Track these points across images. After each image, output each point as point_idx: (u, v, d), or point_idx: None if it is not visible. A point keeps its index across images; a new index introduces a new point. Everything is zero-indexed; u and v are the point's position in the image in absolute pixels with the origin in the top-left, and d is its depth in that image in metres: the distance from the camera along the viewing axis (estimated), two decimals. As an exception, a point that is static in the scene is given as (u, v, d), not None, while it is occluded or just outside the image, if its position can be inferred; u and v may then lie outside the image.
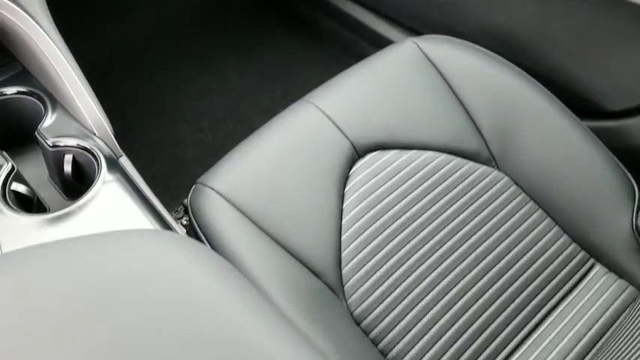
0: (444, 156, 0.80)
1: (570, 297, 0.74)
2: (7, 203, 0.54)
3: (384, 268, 0.71)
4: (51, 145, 0.59)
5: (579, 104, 0.87)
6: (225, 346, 0.36)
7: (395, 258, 0.72)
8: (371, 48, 0.92)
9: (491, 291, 0.72)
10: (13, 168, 0.57)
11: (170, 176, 1.21)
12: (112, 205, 0.55)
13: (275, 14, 1.55)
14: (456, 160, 0.80)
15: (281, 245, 0.69)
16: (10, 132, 0.65)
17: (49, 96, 0.65)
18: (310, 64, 1.45)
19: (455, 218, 0.76)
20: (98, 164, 0.58)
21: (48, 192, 0.64)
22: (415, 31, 1.14)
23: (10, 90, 0.65)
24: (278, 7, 1.56)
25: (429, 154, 0.80)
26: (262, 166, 0.74)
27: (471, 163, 0.80)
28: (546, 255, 0.76)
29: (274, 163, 0.74)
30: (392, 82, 0.83)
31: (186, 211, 0.75)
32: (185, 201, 0.75)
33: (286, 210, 0.71)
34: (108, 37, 1.46)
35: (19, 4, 0.65)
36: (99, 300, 0.38)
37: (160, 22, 1.52)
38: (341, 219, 0.73)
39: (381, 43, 1.13)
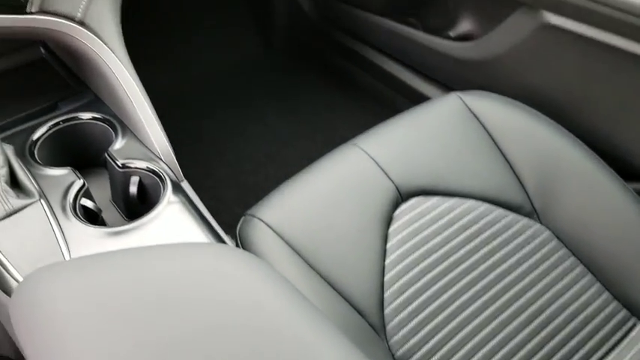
0: (486, 205, 0.81)
1: (611, 356, 0.73)
2: (77, 215, 0.57)
3: (427, 311, 0.71)
4: (121, 165, 0.63)
5: (620, 166, 0.88)
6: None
7: (437, 302, 0.72)
8: (409, 104, 0.95)
9: (531, 344, 0.71)
10: (83, 184, 0.60)
11: (212, 214, 1.24)
12: (175, 224, 0.57)
13: (314, 68, 1.62)
14: (498, 211, 0.81)
15: (327, 281, 0.70)
16: (81, 154, 0.69)
17: (120, 122, 0.69)
18: (348, 118, 1.50)
19: (496, 268, 0.76)
20: (164, 186, 0.61)
21: (109, 213, 0.67)
22: (453, 89, 1.18)
23: (86, 115, 0.69)
24: (316, 61, 1.62)
25: (471, 202, 0.81)
26: (310, 202, 0.76)
27: (512, 215, 0.81)
28: (587, 312, 0.76)
29: (322, 200, 0.76)
30: (436, 131, 0.86)
31: None
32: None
33: (332, 247, 0.73)
34: (158, 81, 1.54)
35: (92, 31, 0.67)
36: (169, 305, 0.40)
37: (207, 70, 1.59)
38: (384, 259, 0.74)
39: (419, 100, 1.16)
